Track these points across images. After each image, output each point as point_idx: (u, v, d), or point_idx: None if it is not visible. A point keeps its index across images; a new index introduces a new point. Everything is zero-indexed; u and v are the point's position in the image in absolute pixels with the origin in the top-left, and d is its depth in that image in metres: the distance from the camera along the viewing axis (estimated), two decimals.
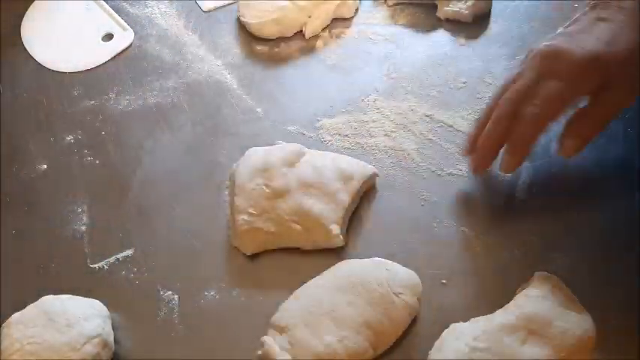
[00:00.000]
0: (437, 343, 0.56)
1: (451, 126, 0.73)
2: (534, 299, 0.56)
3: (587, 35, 0.60)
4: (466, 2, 0.80)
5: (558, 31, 0.63)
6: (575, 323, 0.54)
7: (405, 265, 0.61)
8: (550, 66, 0.59)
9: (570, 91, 0.59)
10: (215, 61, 0.80)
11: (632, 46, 0.58)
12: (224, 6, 0.86)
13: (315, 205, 0.63)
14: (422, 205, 0.67)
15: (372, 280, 0.58)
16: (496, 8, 0.83)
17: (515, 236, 0.64)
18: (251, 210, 0.63)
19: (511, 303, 0.57)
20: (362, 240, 0.66)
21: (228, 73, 0.79)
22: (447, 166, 0.70)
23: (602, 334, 0.55)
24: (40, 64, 0.81)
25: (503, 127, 0.61)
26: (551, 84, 0.59)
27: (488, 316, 0.57)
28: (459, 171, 0.69)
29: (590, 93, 0.60)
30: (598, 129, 0.61)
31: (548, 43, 0.61)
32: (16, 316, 0.58)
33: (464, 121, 0.73)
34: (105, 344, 0.57)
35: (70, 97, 0.78)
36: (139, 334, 0.61)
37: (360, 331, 0.56)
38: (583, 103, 0.61)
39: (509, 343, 0.53)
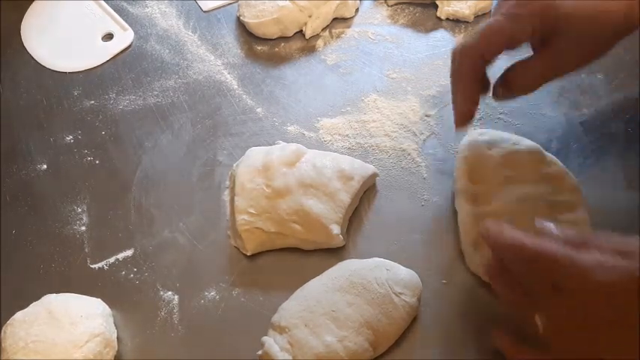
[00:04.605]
0: None
1: (452, 126, 0.72)
2: None
3: None
4: (466, 2, 0.80)
5: None
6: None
7: (405, 265, 0.61)
8: (501, 4, 0.59)
9: (508, 26, 0.57)
10: (215, 61, 0.80)
11: (582, 3, 0.57)
12: (224, 6, 0.86)
13: (315, 205, 0.63)
14: (422, 205, 0.67)
15: (372, 280, 0.58)
16: None
17: None
18: (251, 210, 0.63)
19: None
20: (362, 240, 0.66)
21: (228, 73, 0.79)
22: (447, 167, 0.70)
23: None
24: (40, 64, 0.81)
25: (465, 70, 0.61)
26: (493, 18, 0.58)
27: None
28: None
29: (529, 36, 0.58)
30: (532, 84, 0.60)
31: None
32: (19, 314, 0.58)
33: None
34: (107, 342, 0.58)
35: (70, 97, 0.78)
36: (138, 334, 0.61)
37: (360, 331, 0.56)
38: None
39: None
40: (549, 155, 0.66)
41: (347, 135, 0.73)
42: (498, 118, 0.73)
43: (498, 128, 0.71)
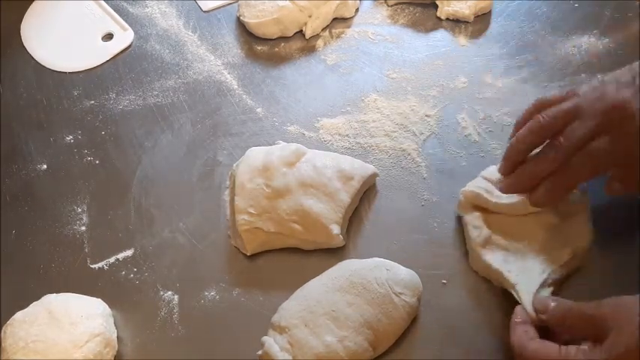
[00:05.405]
0: None
1: (452, 126, 0.73)
2: None
3: None
4: (466, 2, 0.80)
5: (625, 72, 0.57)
6: None
7: (405, 265, 0.61)
8: (611, 121, 0.55)
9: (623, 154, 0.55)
10: (215, 61, 0.80)
11: None
12: (224, 6, 0.86)
13: (315, 205, 0.63)
14: (422, 205, 0.67)
15: (372, 280, 0.58)
16: (496, 8, 0.83)
17: None
18: (251, 210, 0.63)
19: None
20: (362, 240, 0.66)
21: (228, 73, 0.79)
22: (447, 166, 0.70)
23: None
24: (40, 64, 0.81)
25: (531, 142, 0.58)
26: (606, 139, 0.55)
27: None
28: (460, 170, 0.69)
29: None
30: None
31: (617, 95, 0.55)
32: (19, 314, 0.58)
33: (464, 121, 0.73)
34: (107, 342, 0.58)
35: (70, 97, 0.78)
36: (138, 334, 0.61)
37: (360, 331, 0.56)
38: None
39: None
40: None
41: (347, 135, 0.73)
42: (498, 117, 0.73)
43: (499, 127, 0.71)
